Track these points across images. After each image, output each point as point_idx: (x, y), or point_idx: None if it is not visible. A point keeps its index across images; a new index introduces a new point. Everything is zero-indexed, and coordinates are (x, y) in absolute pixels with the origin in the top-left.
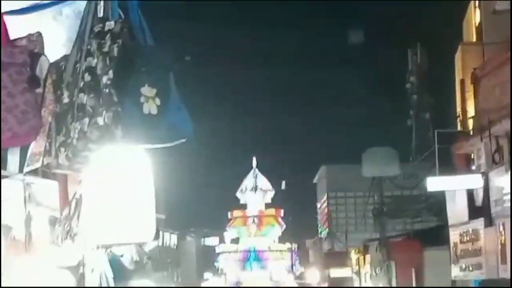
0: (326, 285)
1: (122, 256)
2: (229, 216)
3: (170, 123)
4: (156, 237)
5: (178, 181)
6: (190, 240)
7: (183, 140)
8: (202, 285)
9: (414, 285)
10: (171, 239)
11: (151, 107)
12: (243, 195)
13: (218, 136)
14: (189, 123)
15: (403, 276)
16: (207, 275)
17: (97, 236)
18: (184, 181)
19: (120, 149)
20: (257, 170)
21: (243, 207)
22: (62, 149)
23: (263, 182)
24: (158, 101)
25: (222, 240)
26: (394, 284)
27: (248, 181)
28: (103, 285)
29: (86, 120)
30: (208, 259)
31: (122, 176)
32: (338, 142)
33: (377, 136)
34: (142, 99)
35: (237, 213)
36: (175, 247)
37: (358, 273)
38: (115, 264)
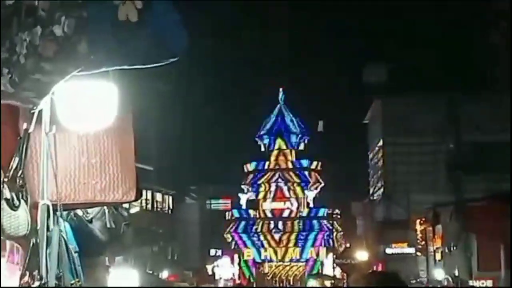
0: (380, 267)
1: (90, 222)
2: (246, 170)
3: (155, 35)
4: (139, 196)
5: (175, 120)
6: (191, 203)
7: (174, 60)
8: (208, 267)
9: (502, 264)
10: (164, 200)
11: (129, 11)
12: (265, 141)
13: (232, 59)
14: (182, 35)
15: (487, 253)
16: (214, 251)
17: (56, 194)
18: (183, 120)
19: (86, 71)
20: (284, 106)
21: (265, 156)
22: (5, 70)
23: (293, 121)
24: (139, 3)
25: (236, 203)
26: (474, 264)
27: (272, 121)
28: (63, 260)
29: (38, 29)
30: (215, 229)
31: (88, 110)
32: (400, 64)
33: (453, 59)
34: (116, 1)
35: (256, 165)
36: (169, 212)
37: (424, 250)
38: (81, 232)
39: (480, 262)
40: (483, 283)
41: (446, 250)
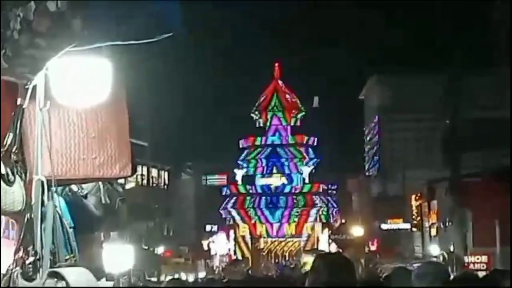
0: (375, 243)
1: (85, 197)
2: (241, 145)
3: (150, 11)
4: (134, 171)
5: (170, 95)
6: (186, 179)
7: (168, 35)
8: (204, 242)
9: (498, 240)
10: (159, 176)
11: None
12: (260, 116)
13: (228, 34)
14: (176, 11)
15: (482, 229)
16: (210, 227)
17: (50, 170)
18: (179, 95)
19: (80, 47)
20: (280, 81)
21: (261, 132)
22: None
23: (289, 97)
24: None
25: (231, 179)
26: (470, 239)
27: (267, 96)
28: (58, 235)
29: (32, 4)
30: (211, 204)
31: (82, 86)
32: (396, 40)
33: (450, 33)
34: None
35: (252, 141)
36: (165, 187)
37: (419, 225)
38: (76, 208)
39: (476, 238)
40: (478, 259)
41: (442, 226)
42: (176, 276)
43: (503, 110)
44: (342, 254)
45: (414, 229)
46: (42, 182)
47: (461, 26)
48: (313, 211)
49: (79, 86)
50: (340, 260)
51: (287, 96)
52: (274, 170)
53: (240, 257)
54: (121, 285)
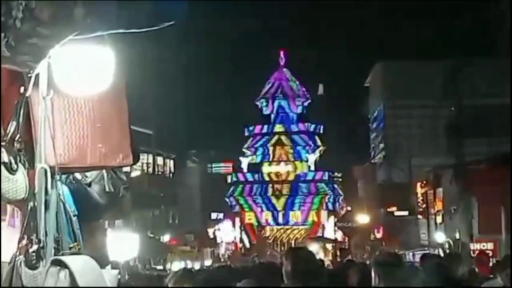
0: (380, 231)
1: (89, 185)
2: (247, 133)
3: None
4: (136, 160)
5: (175, 83)
6: (192, 167)
7: (170, 24)
8: (210, 230)
9: (503, 227)
10: (165, 164)
11: None
12: (266, 104)
13: (233, 21)
14: None
15: (488, 216)
16: (215, 215)
17: (53, 158)
18: (183, 83)
19: (82, 35)
20: (285, 69)
21: (266, 120)
22: (1, 35)
23: (294, 84)
24: None
25: (237, 167)
26: (475, 227)
27: (272, 84)
28: (62, 223)
29: None
30: (217, 192)
31: (85, 75)
32: (400, 29)
33: (454, 21)
34: None
35: (257, 129)
36: (170, 175)
37: (425, 213)
38: (80, 196)
39: (481, 225)
40: (484, 246)
41: (447, 213)
42: (183, 264)
43: (507, 97)
44: (307, 248)
45: (419, 216)
46: (46, 170)
47: (465, 14)
48: (318, 199)
49: (81, 75)
50: (306, 253)
51: (293, 83)
52: (280, 158)
53: (246, 245)
54: (126, 273)
